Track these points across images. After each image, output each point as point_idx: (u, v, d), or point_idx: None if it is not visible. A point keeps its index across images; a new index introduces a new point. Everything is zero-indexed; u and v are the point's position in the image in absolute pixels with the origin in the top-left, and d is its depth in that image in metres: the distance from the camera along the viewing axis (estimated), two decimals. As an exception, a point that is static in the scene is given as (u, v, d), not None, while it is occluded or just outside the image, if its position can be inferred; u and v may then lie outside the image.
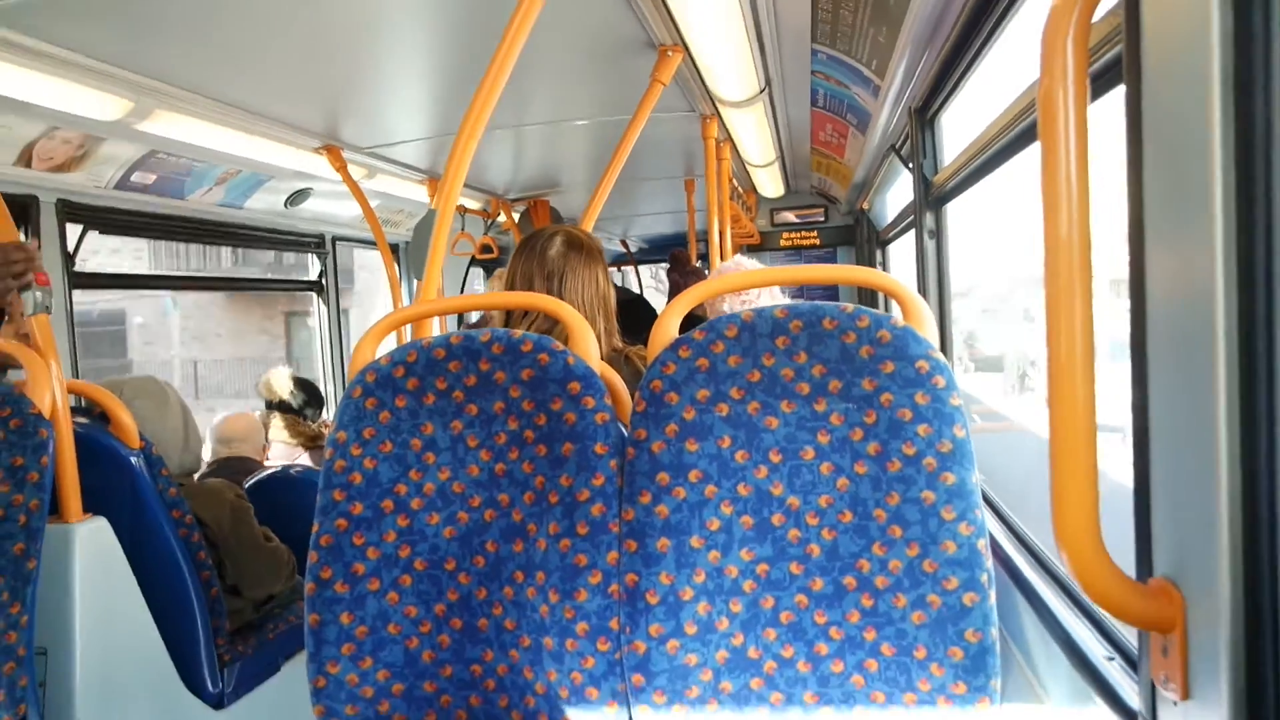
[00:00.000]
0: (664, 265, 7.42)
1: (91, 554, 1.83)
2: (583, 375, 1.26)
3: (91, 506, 1.86)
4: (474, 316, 4.41)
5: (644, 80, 2.41)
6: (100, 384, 2.11)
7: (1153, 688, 0.82)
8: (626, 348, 1.84)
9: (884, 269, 5.33)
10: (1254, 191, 0.66)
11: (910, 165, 2.91)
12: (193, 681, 2.04)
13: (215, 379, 15.20)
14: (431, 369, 1.31)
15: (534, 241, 1.85)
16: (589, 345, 1.31)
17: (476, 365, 1.30)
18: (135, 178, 2.87)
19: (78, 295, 2.86)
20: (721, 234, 3.54)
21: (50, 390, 1.73)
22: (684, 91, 2.87)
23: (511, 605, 1.26)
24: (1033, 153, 0.79)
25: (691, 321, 1.32)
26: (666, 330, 1.28)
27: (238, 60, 2.21)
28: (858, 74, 2.83)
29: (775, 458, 1.20)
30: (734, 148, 3.90)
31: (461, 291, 5.36)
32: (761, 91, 3.02)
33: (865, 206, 5.35)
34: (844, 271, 1.44)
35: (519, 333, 1.30)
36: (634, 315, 2.92)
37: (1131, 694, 0.99)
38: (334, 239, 4.31)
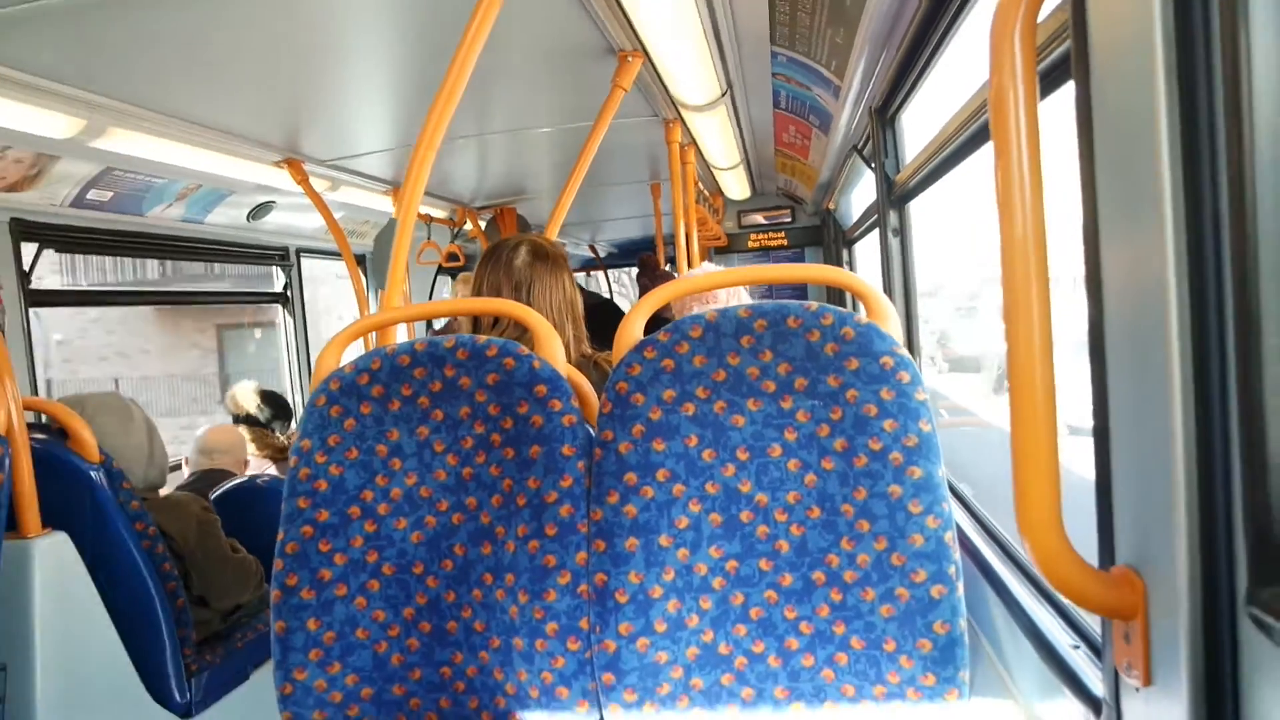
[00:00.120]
0: (633, 270, 7.43)
1: (51, 568, 1.83)
2: (549, 378, 1.25)
3: (51, 521, 1.85)
4: (440, 324, 4.39)
5: (605, 86, 2.41)
6: (61, 400, 2.10)
7: (1116, 675, 0.83)
8: (595, 354, 1.84)
9: (850, 268, 5.37)
10: (1201, 186, 0.67)
11: (872, 165, 2.93)
12: (159, 692, 2.04)
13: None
14: (396, 375, 1.30)
15: (499, 252, 1.84)
16: (555, 349, 1.31)
17: (441, 371, 1.29)
18: (91, 195, 2.83)
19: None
20: (689, 237, 3.55)
21: (6, 407, 1.73)
22: (646, 96, 2.88)
23: (481, 607, 1.26)
24: (990, 150, 0.80)
25: (659, 325, 1.32)
26: (631, 332, 1.27)
27: (193, 75, 2.18)
28: (818, 75, 2.85)
29: (743, 455, 1.20)
30: (698, 151, 3.90)
31: (430, 300, 5.33)
32: (723, 95, 3.02)
33: (831, 206, 5.38)
34: (808, 271, 1.45)
35: (484, 338, 1.30)
36: (602, 318, 2.93)
37: (1096, 681, 1.00)
38: (299, 251, 4.27)
